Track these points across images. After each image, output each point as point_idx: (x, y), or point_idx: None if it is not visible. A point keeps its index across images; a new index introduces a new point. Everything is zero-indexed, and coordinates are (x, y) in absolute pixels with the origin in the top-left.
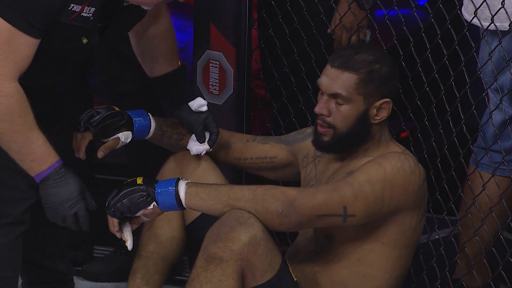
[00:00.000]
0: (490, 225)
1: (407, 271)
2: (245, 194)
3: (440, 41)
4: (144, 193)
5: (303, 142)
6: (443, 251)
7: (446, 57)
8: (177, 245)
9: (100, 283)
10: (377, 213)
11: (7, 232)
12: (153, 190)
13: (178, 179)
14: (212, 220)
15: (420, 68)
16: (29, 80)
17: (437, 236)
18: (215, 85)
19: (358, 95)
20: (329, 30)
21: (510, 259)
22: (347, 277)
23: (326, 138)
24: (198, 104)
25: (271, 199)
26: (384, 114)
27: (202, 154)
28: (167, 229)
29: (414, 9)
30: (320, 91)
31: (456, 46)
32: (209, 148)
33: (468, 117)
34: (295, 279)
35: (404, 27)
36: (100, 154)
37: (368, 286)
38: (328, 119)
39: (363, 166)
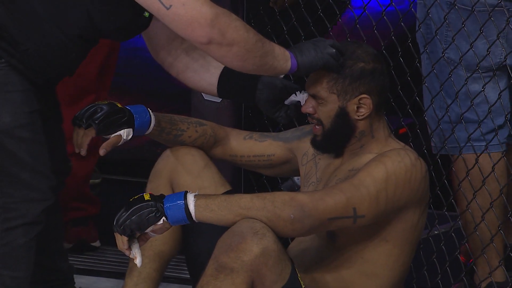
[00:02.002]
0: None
1: (409, 267)
2: (255, 203)
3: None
4: (153, 209)
5: (302, 139)
6: (443, 247)
7: (444, 53)
8: (173, 242)
9: (100, 280)
10: (384, 211)
11: (24, 233)
12: (162, 205)
13: (186, 192)
14: None
15: (418, 64)
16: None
17: (437, 232)
18: None
19: (331, 94)
20: None
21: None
22: (351, 277)
23: (318, 138)
24: None
25: (282, 205)
26: (365, 110)
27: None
28: None
29: (412, 5)
30: None
31: (454, 43)
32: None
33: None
34: (303, 287)
35: (402, 23)
36: (102, 151)
37: (372, 284)
38: (315, 115)
39: (365, 166)
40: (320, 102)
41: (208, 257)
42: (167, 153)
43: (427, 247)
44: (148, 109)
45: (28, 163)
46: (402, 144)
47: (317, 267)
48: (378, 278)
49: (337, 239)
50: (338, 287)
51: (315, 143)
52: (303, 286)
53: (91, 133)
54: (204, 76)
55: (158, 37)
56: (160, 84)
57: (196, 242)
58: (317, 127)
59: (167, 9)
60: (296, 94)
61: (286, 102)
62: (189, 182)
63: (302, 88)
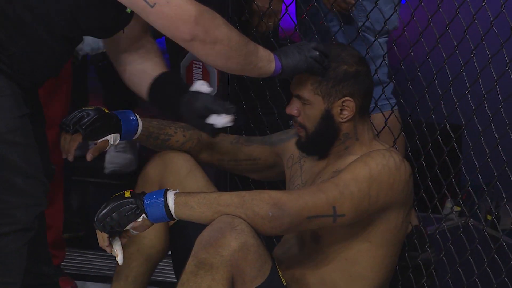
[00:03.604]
0: None
1: (394, 269)
2: (234, 200)
3: (422, 39)
4: (133, 206)
5: (287, 142)
6: (428, 249)
7: (429, 55)
8: (160, 245)
9: (86, 284)
10: (365, 211)
11: (17, 239)
12: (142, 202)
13: (166, 190)
14: (195, 223)
15: (402, 66)
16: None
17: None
18: None
19: (316, 96)
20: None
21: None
22: (335, 277)
23: (302, 139)
24: (198, 85)
25: (261, 203)
26: (348, 113)
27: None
28: (150, 230)
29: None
30: None
31: (439, 45)
32: (232, 117)
33: (451, 115)
34: (284, 284)
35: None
36: (89, 156)
37: (356, 285)
38: (299, 119)
39: (349, 166)
40: (305, 103)
41: None
42: (155, 157)
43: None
44: (136, 114)
45: (21, 168)
46: (387, 145)
47: (300, 267)
48: (362, 280)
49: (320, 239)
50: (323, 285)
51: (299, 145)
52: (285, 283)
53: (78, 138)
54: (142, 80)
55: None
56: None
57: (184, 246)
58: (299, 129)
59: (152, 7)
60: (218, 115)
61: (208, 121)
62: (176, 186)
63: (223, 111)
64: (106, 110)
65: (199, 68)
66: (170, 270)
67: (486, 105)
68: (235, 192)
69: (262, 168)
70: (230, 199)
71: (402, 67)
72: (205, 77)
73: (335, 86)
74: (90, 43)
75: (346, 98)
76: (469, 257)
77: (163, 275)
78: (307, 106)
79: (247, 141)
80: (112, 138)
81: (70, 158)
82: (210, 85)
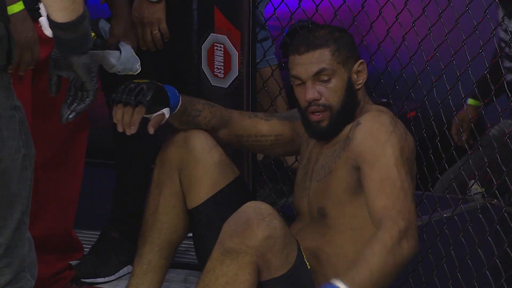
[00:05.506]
0: None
1: None
2: (381, 260)
3: (441, 20)
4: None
5: None
6: (446, 230)
7: (447, 36)
8: (181, 229)
9: None
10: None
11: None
12: None
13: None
14: (216, 206)
15: (421, 47)
16: None
17: (442, 216)
18: (220, 68)
19: (338, 64)
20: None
21: None
22: (347, 249)
23: (324, 123)
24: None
25: (399, 249)
26: (363, 76)
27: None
28: (171, 215)
29: None
30: (299, 82)
31: (458, 25)
32: None
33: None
34: (309, 268)
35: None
36: (151, 130)
37: None
38: (321, 101)
39: (375, 159)
40: (327, 78)
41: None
42: (173, 137)
43: (430, 230)
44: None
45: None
46: (378, 106)
47: (315, 243)
48: None
49: (326, 213)
50: (337, 257)
51: (318, 132)
52: (309, 267)
53: (142, 110)
54: None
55: None
56: None
57: (204, 227)
58: (321, 113)
59: None
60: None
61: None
62: (194, 165)
63: None
64: (159, 84)
65: (220, 50)
66: (191, 251)
67: (505, 85)
68: (362, 261)
69: (282, 144)
70: (378, 264)
71: (421, 47)
72: (227, 59)
73: (350, 51)
74: (123, 62)
75: (360, 60)
76: (489, 238)
77: (182, 257)
78: (331, 81)
79: (266, 115)
80: (166, 112)
81: (134, 131)
82: (232, 68)
